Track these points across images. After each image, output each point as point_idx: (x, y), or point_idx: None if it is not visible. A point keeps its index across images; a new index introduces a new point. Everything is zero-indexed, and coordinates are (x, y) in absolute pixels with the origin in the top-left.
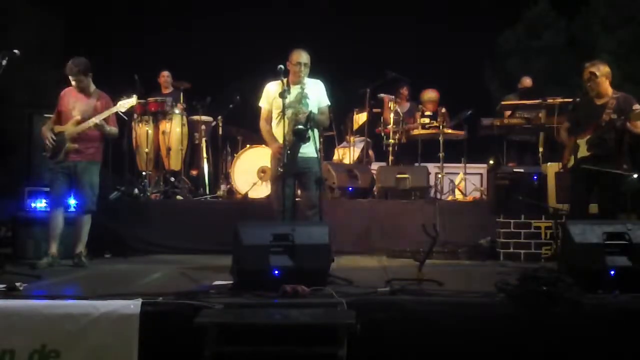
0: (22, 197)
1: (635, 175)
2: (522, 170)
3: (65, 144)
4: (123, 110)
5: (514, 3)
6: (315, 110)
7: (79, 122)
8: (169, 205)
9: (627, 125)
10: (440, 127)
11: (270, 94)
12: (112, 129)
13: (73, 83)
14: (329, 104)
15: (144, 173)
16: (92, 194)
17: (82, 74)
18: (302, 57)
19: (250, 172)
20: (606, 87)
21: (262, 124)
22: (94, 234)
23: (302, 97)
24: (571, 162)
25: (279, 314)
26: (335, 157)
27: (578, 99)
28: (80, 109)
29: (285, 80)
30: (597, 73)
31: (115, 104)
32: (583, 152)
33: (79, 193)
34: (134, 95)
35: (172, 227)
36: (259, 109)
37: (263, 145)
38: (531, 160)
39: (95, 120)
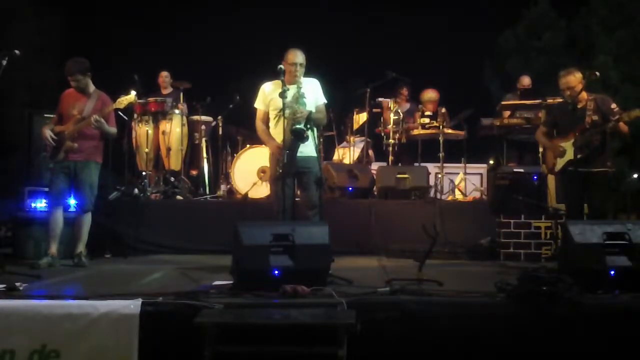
0: (22, 197)
1: (635, 175)
2: (522, 170)
3: (64, 143)
4: (121, 107)
5: (514, 3)
6: (312, 109)
7: (78, 121)
8: (169, 205)
9: (619, 126)
10: (440, 127)
11: (266, 95)
12: (111, 128)
13: (72, 83)
14: (326, 101)
15: (144, 173)
16: (90, 194)
17: (80, 73)
18: (297, 57)
19: (250, 172)
20: (582, 91)
21: (258, 124)
22: (94, 234)
23: (299, 97)
24: (559, 165)
25: (279, 314)
26: (335, 157)
27: (552, 103)
28: (80, 108)
29: (284, 80)
30: (574, 82)
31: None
32: (570, 154)
33: (78, 192)
34: (132, 92)
35: (172, 227)
36: (255, 109)
37: (263, 145)
38: (531, 160)
39: (94, 118)
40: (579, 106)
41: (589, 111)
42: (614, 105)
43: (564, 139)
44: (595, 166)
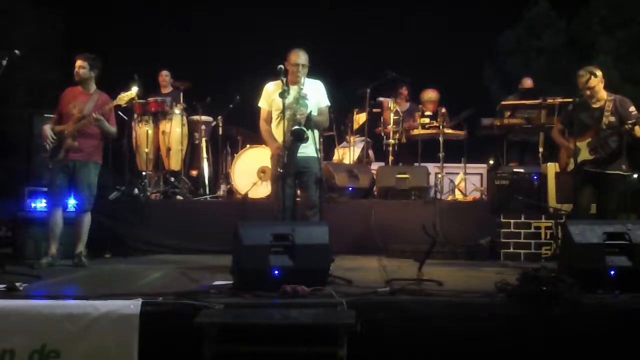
0: (22, 197)
1: (635, 175)
2: (522, 170)
3: (64, 142)
4: (122, 103)
5: (514, 3)
6: (314, 111)
7: (78, 119)
8: (169, 205)
9: (635, 130)
10: (440, 127)
11: (269, 94)
12: (112, 128)
13: (76, 67)
14: (329, 104)
15: (144, 173)
16: (89, 194)
17: (89, 62)
18: (300, 57)
19: (250, 172)
20: (602, 90)
21: (262, 124)
22: (94, 234)
23: (300, 98)
24: (572, 165)
25: (279, 314)
26: (335, 157)
27: (576, 101)
28: (81, 107)
29: (284, 80)
30: (596, 78)
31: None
32: (585, 155)
33: (77, 192)
34: (134, 88)
35: (172, 227)
36: (259, 109)
37: (263, 145)
38: (531, 160)
39: (95, 115)
40: (597, 106)
41: (606, 112)
42: (632, 108)
43: (579, 138)
44: (609, 168)
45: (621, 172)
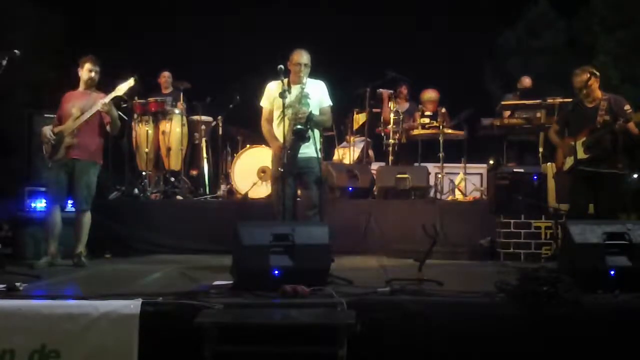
0: (22, 197)
1: (635, 175)
2: (522, 170)
3: (63, 141)
4: (121, 93)
5: (514, 3)
6: (316, 111)
7: (77, 117)
8: (169, 205)
9: (628, 127)
10: (440, 127)
11: (271, 94)
12: (116, 117)
13: (91, 74)
14: (331, 104)
15: (144, 173)
16: (88, 194)
17: (98, 64)
18: (302, 57)
19: (250, 172)
20: (598, 90)
21: (264, 123)
22: (94, 234)
23: (302, 97)
24: (567, 164)
25: (279, 314)
26: (335, 157)
27: (571, 101)
28: (79, 106)
29: (285, 80)
30: (596, 78)
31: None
32: (580, 154)
33: (75, 192)
34: (131, 78)
35: (172, 227)
36: (260, 108)
37: (263, 145)
38: (531, 160)
39: (102, 102)
40: (591, 105)
41: (601, 111)
42: (627, 107)
43: (574, 137)
44: (604, 167)
45: (616, 171)
